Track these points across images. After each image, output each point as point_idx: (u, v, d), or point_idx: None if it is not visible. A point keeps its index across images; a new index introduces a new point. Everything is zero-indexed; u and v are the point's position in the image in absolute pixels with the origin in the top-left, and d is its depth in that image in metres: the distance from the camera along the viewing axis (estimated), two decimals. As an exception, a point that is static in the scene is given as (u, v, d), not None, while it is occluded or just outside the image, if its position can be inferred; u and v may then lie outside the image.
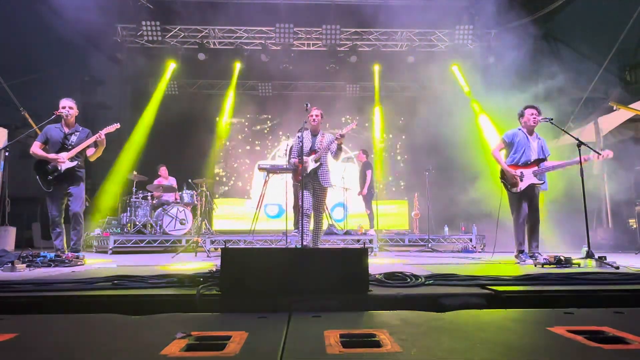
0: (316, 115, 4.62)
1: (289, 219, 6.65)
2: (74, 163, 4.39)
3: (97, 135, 4.40)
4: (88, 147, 4.48)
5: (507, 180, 4.40)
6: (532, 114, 4.42)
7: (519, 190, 4.30)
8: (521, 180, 4.30)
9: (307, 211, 4.40)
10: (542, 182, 4.31)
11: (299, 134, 4.51)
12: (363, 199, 8.25)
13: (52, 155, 4.31)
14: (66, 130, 4.45)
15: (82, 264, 3.97)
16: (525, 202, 4.33)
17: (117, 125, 4.67)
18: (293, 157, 4.72)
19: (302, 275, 2.13)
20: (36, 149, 4.33)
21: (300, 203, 4.43)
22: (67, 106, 4.44)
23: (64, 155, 4.32)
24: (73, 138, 4.43)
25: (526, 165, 4.35)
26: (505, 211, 4.58)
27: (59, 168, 4.31)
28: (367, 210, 8.19)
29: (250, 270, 2.16)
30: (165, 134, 10.56)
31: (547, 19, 10.08)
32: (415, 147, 11.22)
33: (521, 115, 4.52)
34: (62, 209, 4.44)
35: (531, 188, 4.30)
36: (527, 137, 4.46)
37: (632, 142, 7.50)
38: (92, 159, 4.56)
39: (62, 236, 4.39)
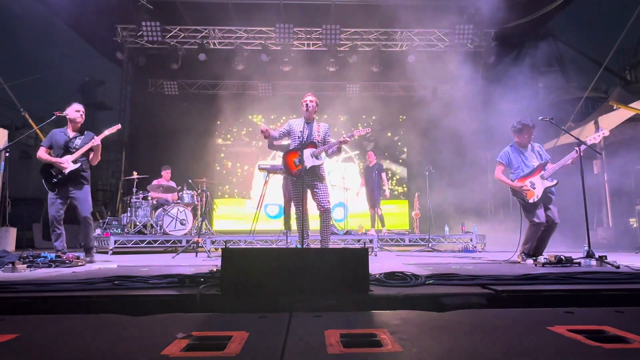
0: (310, 101, 4.28)
1: (291, 219, 6.64)
2: (78, 165, 4.42)
3: (93, 140, 4.46)
4: (90, 150, 4.52)
5: (520, 195, 4.37)
6: (531, 135, 4.42)
7: (537, 199, 4.25)
8: (534, 188, 4.27)
9: (300, 213, 4.21)
10: (555, 182, 4.28)
11: (291, 122, 4.33)
12: (375, 200, 8.22)
13: (55, 159, 4.36)
14: (71, 134, 4.50)
15: (83, 265, 3.97)
16: (540, 208, 4.28)
17: (118, 126, 4.75)
18: (276, 138, 4.31)
19: (303, 275, 2.13)
20: (42, 153, 4.40)
21: (300, 205, 4.22)
22: (82, 111, 4.54)
23: (67, 158, 4.38)
24: (77, 141, 4.48)
25: (532, 173, 4.33)
26: (504, 209, 4.57)
27: (63, 171, 4.35)
28: (380, 210, 8.20)
29: (251, 270, 2.16)
30: (165, 134, 10.57)
31: (547, 19, 10.09)
32: (415, 146, 11.24)
33: (519, 131, 4.44)
34: (63, 211, 4.45)
35: (545, 192, 4.28)
36: (519, 151, 4.46)
37: (632, 141, 7.49)
38: (92, 164, 4.61)
39: (62, 237, 4.42)
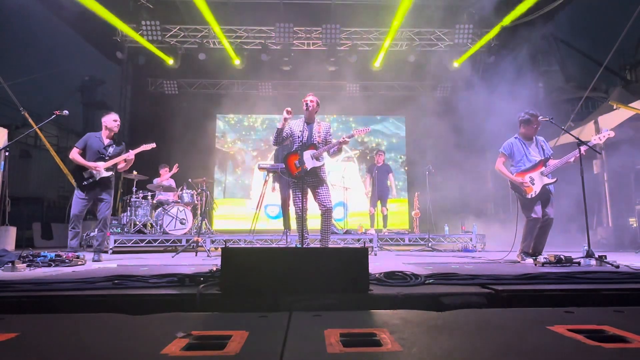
0: (311, 101, 4.27)
1: (290, 218, 6.64)
2: (110, 173, 4.67)
3: (127, 154, 4.74)
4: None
5: (519, 190, 4.36)
6: (538, 127, 4.39)
7: (535, 194, 4.25)
8: (533, 184, 4.27)
9: (304, 213, 4.23)
10: (555, 180, 4.28)
11: (291, 123, 4.33)
12: (383, 199, 8.24)
13: (92, 164, 4.56)
14: (105, 141, 4.71)
15: (83, 264, 3.98)
16: (538, 204, 4.29)
17: (152, 145, 4.99)
18: (279, 140, 4.30)
19: (303, 275, 2.13)
20: (75, 155, 4.58)
21: (300, 205, 4.22)
22: (119, 121, 4.80)
23: (102, 165, 4.59)
24: (110, 150, 4.71)
25: (533, 168, 4.33)
26: (504, 208, 4.56)
27: (95, 175, 4.56)
28: (385, 210, 8.28)
29: (251, 269, 2.16)
30: (165, 133, 10.56)
31: (547, 18, 10.08)
32: (415, 146, 11.24)
33: (526, 122, 4.39)
34: (85, 212, 4.64)
35: (543, 189, 4.28)
36: (524, 143, 4.44)
37: (632, 141, 7.49)
38: (120, 171, 4.88)
39: (78, 237, 4.57)
